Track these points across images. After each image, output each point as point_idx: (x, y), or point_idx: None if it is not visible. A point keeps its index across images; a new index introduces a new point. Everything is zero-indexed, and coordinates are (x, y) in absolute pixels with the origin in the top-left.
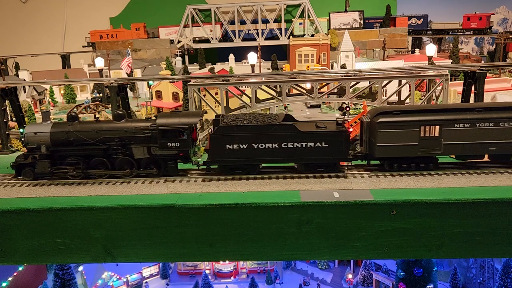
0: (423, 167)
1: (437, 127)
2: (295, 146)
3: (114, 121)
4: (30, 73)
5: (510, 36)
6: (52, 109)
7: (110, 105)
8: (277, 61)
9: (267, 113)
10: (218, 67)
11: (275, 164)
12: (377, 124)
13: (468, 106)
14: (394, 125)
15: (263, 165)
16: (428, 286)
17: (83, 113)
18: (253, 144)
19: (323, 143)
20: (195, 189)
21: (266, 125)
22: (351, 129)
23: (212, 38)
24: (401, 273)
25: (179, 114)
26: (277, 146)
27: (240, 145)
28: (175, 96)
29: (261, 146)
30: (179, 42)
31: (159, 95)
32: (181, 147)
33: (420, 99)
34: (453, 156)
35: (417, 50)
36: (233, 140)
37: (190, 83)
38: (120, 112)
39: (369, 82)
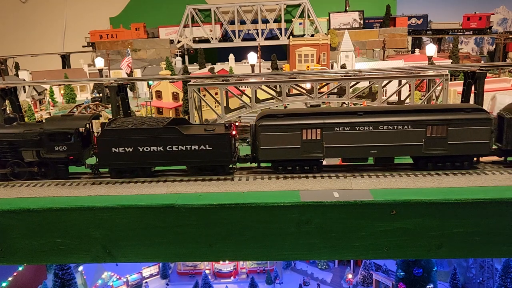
0: (308, 169)
1: (319, 131)
2: (179, 149)
3: (4, 125)
4: (30, 73)
5: (510, 36)
6: (52, 109)
7: (110, 105)
8: (277, 61)
9: (161, 116)
10: (218, 67)
11: (164, 167)
12: (259, 127)
13: (349, 109)
14: (277, 128)
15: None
16: (428, 286)
17: (83, 113)
18: (139, 147)
19: (207, 146)
20: (195, 189)
21: (150, 129)
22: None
23: (212, 38)
24: (401, 273)
25: (68, 117)
26: (162, 149)
27: (126, 148)
28: (175, 96)
29: (147, 149)
30: (179, 42)
31: (159, 95)
32: (69, 151)
33: (420, 99)
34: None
35: (417, 50)
36: (119, 143)
37: (190, 83)
38: (11, 116)
39: (369, 82)
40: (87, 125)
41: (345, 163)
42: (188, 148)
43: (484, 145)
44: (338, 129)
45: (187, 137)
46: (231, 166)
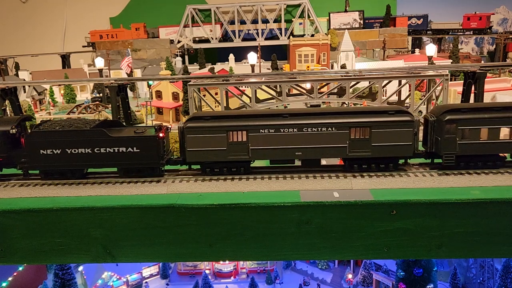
0: (235, 171)
1: (244, 133)
2: (107, 151)
3: None
4: (30, 73)
5: (510, 36)
6: (52, 109)
7: (110, 105)
8: (277, 61)
9: (93, 119)
10: (218, 67)
11: (96, 169)
12: (185, 129)
13: (276, 112)
14: (203, 130)
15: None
16: (428, 286)
17: (83, 113)
18: (66, 149)
19: (135, 148)
20: (195, 189)
21: (76, 131)
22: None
23: (212, 38)
24: (401, 273)
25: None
26: (90, 151)
27: (54, 150)
28: (175, 96)
29: (75, 151)
30: (179, 42)
31: (159, 95)
32: None
33: (420, 99)
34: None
35: (417, 50)
36: (47, 145)
37: (190, 83)
38: None
39: (369, 82)
40: (14, 127)
41: (273, 165)
42: (116, 150)
43: (408, 147)
44: (263, 131)
45: (114, 139)
46: (161, 168)
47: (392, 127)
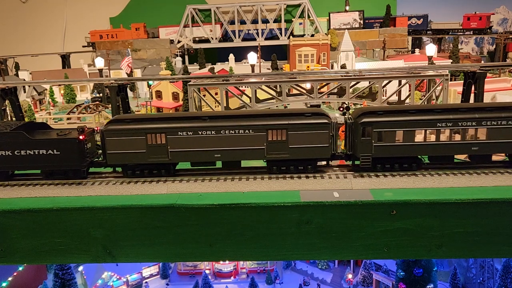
0: (156, 173)
1: (163, 135)
2: (28, 153)
3: None
4: (30, 73)
5: (510, 36)
6: (52, 109)
7: (110, 105)
8: (277, 61)
9: (16, 122)
10: (218, 67)
11: (22, 171)
12: (105, 132)
13: (195, 114)
14: (122, 133)
15: None
16: (428, 286)
17: (83, 113)
18: None
19: (55, 150)
20: (195, 189)
21: None
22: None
23: (212, 38)
24: (401, 273)
25: None
26: (10, 154)
27: None
28: (175, 96)
29: None
30: (179, 42)
31: (159, 95)
32: None
33: (420, 99)
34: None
35: (417, 50)
36: None
37: (190, 83)
38: None
39: (369, 82)
40: None
41: (194, 167)
42: (37, 153)
43: (325, 149)
44: (181, 134)
45: (34, 141)
46: (83, 170)
47: (308, 129)
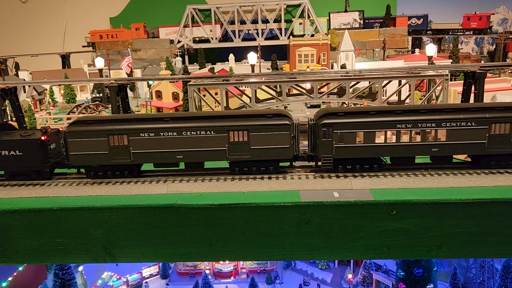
0: (119, 175)
1: (125, 136)
2: None
3: None
4: (30, 73)
5: (510, 36)
6: (52, 109)
7: (110, 105)
8: (277, 61)
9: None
10: (218, 67)
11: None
12: (67, 133)
13: (158, 116)
14: (84, 134)
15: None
16: (428, 286)
17: (83, 113)
18: None
19: (17, 151)
20: (195, 189)
21: None
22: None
23: (212, 38)
24: (401, 273)
25: None
26: None
27: None
28: (175, 96)
29: None
30: (179, 42)
31: (159, 95)
32: None
33: (420, 99)
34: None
35: (417, 50)
36: None
37: (190, 83)
38: None
39: (369, 82)
40: None
41: (157, 168)
42: None
43: (286, 150)
44: (143, 135)
45: None
46: (47, 171)
47: (269, 130)
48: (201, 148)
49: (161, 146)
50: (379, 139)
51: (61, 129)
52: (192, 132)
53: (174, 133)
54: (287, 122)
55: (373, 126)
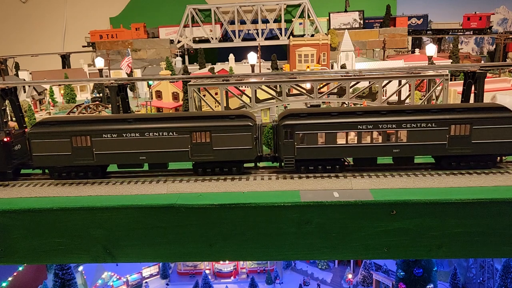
0: (83, 176)
1: (88, 137)
2: None
3: None
4: (30, 73)
5: (510, 36)
6: (52, 109)
7: (110, 105)
8: (277, 61)
9: None
10: (218, 67)
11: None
12: (30, 134)
13: (121, 117)
14: (47, 135)
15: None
16: (428, 286)
17: (83, 113)
18: None
19: None
20: (195, 189)
21: None
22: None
23: (212, 38)
24: (401, 273)
25: None
26: None
27: None
28: (175, 96)
29: None
30: (179, 42)
31: (159, 95)
32: None
33: (420, 99)
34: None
35: (417, 50)
36: None
37: (190, 83)
38: None
39: (369, 82)
40: None
41: (121, 169)
42: None
43: (249, 151)
44: (106, 136)
45: None
46: (10, 172)
47: (231, 131)
48: (164, 149)
49: (124, 147)
50: (341, 140)
51: (25, 130)
52: (155, 133)
53: (137, 134)
54: (249, 123)
55: (334, 127)
